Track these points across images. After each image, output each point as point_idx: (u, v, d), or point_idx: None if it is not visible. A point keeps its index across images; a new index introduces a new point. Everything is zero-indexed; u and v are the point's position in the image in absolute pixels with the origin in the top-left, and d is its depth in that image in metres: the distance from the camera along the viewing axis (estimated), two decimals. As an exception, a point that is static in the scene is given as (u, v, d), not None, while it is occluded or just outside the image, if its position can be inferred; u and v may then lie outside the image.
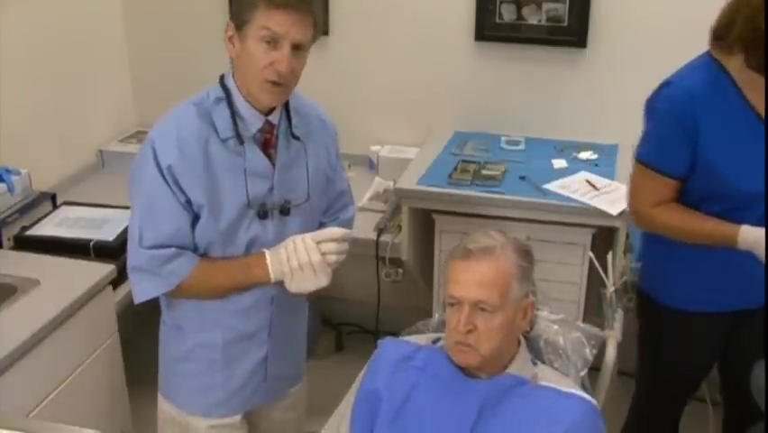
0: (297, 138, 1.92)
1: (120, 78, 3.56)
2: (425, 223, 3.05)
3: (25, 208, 2.77)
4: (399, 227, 2.99)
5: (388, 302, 3.25)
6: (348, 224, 2.17)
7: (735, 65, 2.07)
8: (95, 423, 1.98)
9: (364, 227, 3.06)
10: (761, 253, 2.00)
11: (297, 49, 1.76)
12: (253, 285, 1.91)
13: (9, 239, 2.68)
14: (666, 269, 2.29)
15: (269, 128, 1.87)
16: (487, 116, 3.45)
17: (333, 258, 1.86)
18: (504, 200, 2.84)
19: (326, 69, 3.56)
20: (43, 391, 2.28)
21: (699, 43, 3.14)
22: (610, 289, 2.25)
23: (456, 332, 1.74)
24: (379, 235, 3.00)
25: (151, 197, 1.81)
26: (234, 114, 1.82)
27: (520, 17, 3.27)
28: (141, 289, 1.87)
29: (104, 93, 3.47)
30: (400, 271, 3.05)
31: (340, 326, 3.78)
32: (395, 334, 2.09)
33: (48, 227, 2.73)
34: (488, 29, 3.31)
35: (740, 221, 2.06)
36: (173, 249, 1.82)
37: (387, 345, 1.95)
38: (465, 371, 1.81)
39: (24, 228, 2.72)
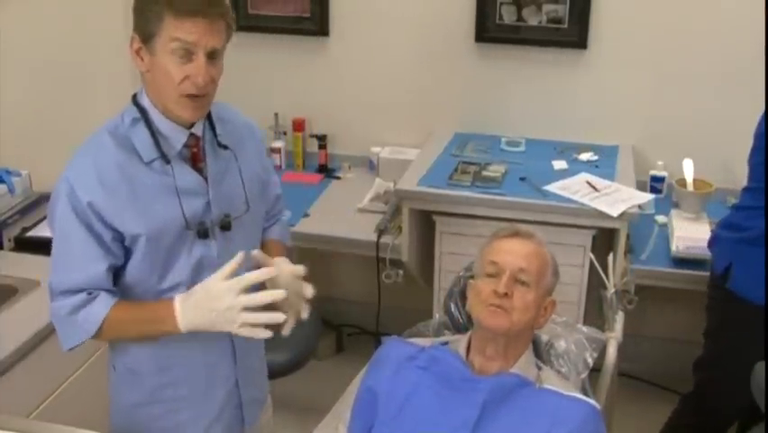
0: (224, 147, 1.79)
1: (121, 79, 3.55)
2: (425, 224, 3.05)
3: (26, 210, 2.76)
4: (400, 229, 2.99)
5: (389, 304, 3.25)
6: (285, 227, 2.09)
7: None
8: (95, 425, 1.97)
9: (365, 229, 3.07)
10: None
11: (212, 56, 1.63)
12: (166, 335, 1.73)
13: (9, 240, 2.68)
14: (761, 269, 2.30)
15: (194, 142, 1.74)
16: (487, 118, 3.45)
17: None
18: (504, 202, 2.84)
19: (326, 70, 3.57)
20: (44, 393, 2.28)
21: (700, 45, 3.16)
22: (611, 290, 2.25)
23: (492, 296, 1.78)
24: (379, 237, 3.00)
25: (63, 239, 1.68)
26: (155, 133, 1.69)
27: (520, 18, 3.27)
28: (65, 336, 1.73)
29: (104, 94, 3.46)
30: (401, 272, 3.05)
31: (340, 327, 3.78)
32: (395, 335, 2.08)
33: (48, 229, 2.72)
34: (488, 30, 3.32)
35: None
36: (83, 294, 1.68)
37: (391, 344, 1.95)
38: (472, 367, 1.82)
39: (25, 229, 2.72)
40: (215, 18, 1.61)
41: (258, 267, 1.72)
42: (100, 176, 1.65)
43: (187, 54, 1.60)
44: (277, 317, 1.67)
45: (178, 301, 1.68)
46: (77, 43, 3.31)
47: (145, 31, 1.61)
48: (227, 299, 1.63)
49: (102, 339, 1.76)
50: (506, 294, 1.77)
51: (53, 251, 1.72)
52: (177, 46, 1.59)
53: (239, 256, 1.67)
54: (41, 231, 2.71)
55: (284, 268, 1.81)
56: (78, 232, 1.66)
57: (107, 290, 1.71)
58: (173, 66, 1.61)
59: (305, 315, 1.76)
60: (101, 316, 1.68)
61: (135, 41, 1.64)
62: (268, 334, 1.69)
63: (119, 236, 1.68)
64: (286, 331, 1.74)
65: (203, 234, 1.74)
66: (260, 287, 1.70)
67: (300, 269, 1.80)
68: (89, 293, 1.69)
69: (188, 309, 1.67)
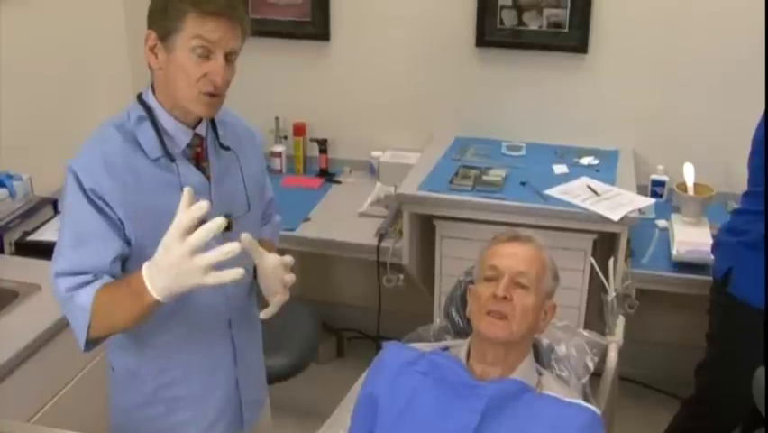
0: (226, 148, 1.81)
1: (121, 82, 3.56)
2: (426, 228, 3.05)
3: (27, 214, 2.77)
4: (400, 233, 2.99)
5: (389, 308, 3.25)
6: (277, 228, 2.11)
7: None
8: (96, 428, 1.97)
9: (365, 233, 3.07)
10: None
11: (229, 58, 1.66)
12: (151, 310, 1.63)
13: (10, 244, 2.68)
14: (761, 273, 2.30)
15: (198, 141, 1.76)
16: (488, 122, 3.45)
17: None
18: (505, 206, 2.84)
19: (327, 74, 3.57)
20: (45, 397, 2.28)
21: (700, 50, 3.16)
22: (612, 294, 2.25)
23: (492, 300, 1.77)
24: (380, 241, 3.00)
25: (76, 224, 1.67)
26: (160, 132, 1.71)
27: (521, 23, 3.27)
28: (77, 326, 1.67)
29: (105, 98, 3.47)
30: (401, 276, 3.05)
31: (341, 331, 3.78)
32: (396, 339, 2.08)
33: (49, 233, 2.72)
34: (489, 34, 3.32)
35: None
36: (89, 276, 1.65)
37: (391, 349, 1.95)
38: (472, 373, 1.81)
39: (26, 234, 2.72)
40: (236, 20, 1.65)
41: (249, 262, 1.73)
42: (107, 165, 1.66)
43: (206, 53, 1.63)
44: (232, 246, 1.53)
45: (145, 268, 1.58)
46: (77, 47, 3.31)
47: (165, 28, 1.63)
48: (176, 248, 1.51)
49: (100, 330, 1.67)
50: (504, 298, 1.76)
51: (62, 236, 1.68)
52: (197, 44, 1.61)
53: (187, 191, 1.55)
54: (43, 235, 2.71)
55: (270, 256, 1.77)
56: (91, 215, 1.65)
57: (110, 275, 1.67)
58: (191, 63, 1.63)
59: (285, 296, 1.76)
60: (89, 300, 1.63)
61: (151, 38, 1.66)
62: (238, 272, 1.53)
63: (121, 221, 1.67)
64: (265, 315, 1.74)
65: None
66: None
67: (288, 259, 1.78)
68: (94, 276, 1.65)
69: (155, 275, 1.56)
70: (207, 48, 1.62)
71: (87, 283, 1.65)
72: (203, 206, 1.51)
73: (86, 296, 1.64)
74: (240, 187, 1.84)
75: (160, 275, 1.55)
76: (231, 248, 1.52)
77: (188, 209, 1.52)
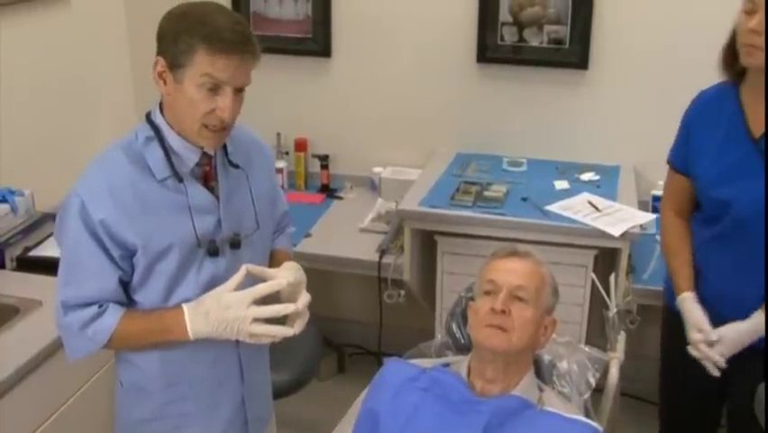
0: (235, 166, 1.80)
1: (124, 98, 3.57)
2: (427, 244, 3.05)
3: (28, 229, 2.77)
4: (401, 249, 2.99)
5: (391, 324, 3.24)
6: (290, 239, 2.12)
7: (744, 87, 2.24)
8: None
9: (367, 249, 3.07)
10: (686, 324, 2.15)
11: (239, 91, 1.66)
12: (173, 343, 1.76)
13: (12, 260, 2.68)
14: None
15: (206, 160, 1.75)
16: (489, 138, 3.46)
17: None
18: (506, 222, 2.84)
19: (329, 90, 3.58)
20: (45, 413, 2.28)
21: (700, 65, 3.16)
22: (613, 310, 2.25)
23: (490, 315, 1.77)
24: (381, 257, 3.01)
25: (75, 254, 1.69)
26: (168, 151, 1.70)
27: (522, 39, 3.29)
28: (72, 348, 1.76)
29: (107, 113, 3.48)
30: (402, 292, 3.05)
31: (342, 347, 3.77)
32: (397, 355, 2.08)
33: (51, 249, 2.72)
34: (490, 51, 3.33)
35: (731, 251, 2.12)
36: (95, 307, 1.70)
37: (392, 365, 1.95)
38: (473, 390, 1.81)
39: (27, 249, 2.72)
40: (247, 55, 1.62)
41: (257, 280, 1.74)
42: (113, 193, 1.66)
43: (216, 88, 1.62)
44: (285, 330, 1.71)
45: (188, 309, 1.71)
46: (79, 62, 3.33)
47: (174, 59, 1.61)
48: (239, 309, 1.67)
49: (110, 348, 1.78)
50: (503, 311, 1.76)
51: (63, 266, 1.73)
52: (206, 81, 1.60)
53: (243, 269, 1.71)
54: (44, 251, 2.72)
55: (280, 275, 1.78)
56: (90, 247, 1.67)
57: (117, 302, 1.73)
58: (200, 98, 1.62)
59: (297, 329, 1.76)
60: (110, 328, 1.71)
61: (160, 64, 1.64)
62: (269, 340, 1.74)
63: (129, 253, 1.69)
64: (278, 338, 1.75)
65: (213, 252, 1.75)
66: (267, 298, 1.73)
67: (293, 279, 1.79)
68: (100, 306, 1.71)
69: (198, 318, 1.69)
70: (216, 84, 1.61)
71: (98, 314, 1.71)
72: (282, 282, 1.72)
73: (105, 328, 1.71)
74: (248, 205, 1.84)
75: (208, 324, 1.69)
76: (279, 330, 1.71)
77: (271, 283, 1.70)
